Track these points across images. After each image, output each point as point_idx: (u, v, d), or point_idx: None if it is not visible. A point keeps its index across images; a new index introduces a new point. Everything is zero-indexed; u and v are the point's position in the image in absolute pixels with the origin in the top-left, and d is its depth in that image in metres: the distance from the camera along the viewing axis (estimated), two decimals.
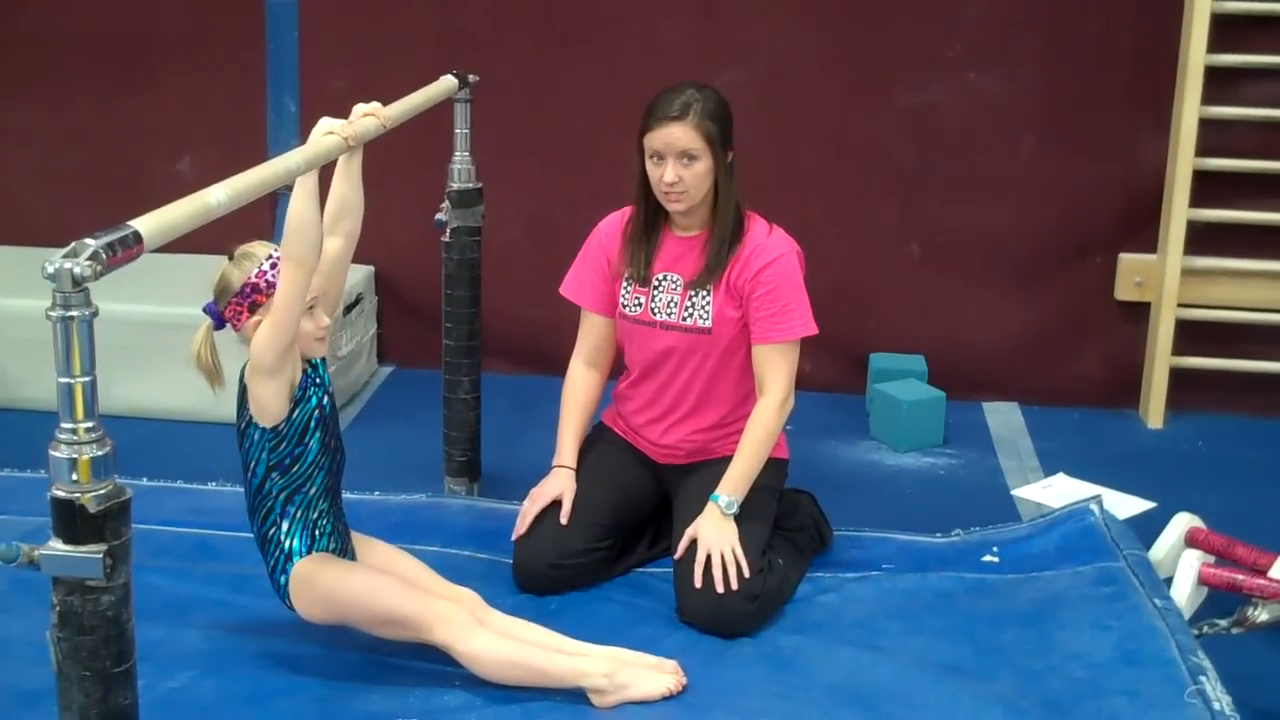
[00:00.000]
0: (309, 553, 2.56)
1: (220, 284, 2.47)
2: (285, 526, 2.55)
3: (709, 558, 2.84)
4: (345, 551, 2.64)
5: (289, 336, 2.39)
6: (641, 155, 2.97)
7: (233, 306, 2.46)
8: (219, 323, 2.50)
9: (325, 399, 2.57)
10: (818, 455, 3.93)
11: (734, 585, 2.79)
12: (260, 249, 2.47)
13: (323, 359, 2.59)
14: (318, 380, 2.55)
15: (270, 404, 2.46)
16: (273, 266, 2.44)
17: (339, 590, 2.55)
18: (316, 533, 2.58)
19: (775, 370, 2.98)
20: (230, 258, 2.47)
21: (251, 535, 2.61)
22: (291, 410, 2.49)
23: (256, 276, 2.43)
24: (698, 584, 2.82)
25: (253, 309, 2.44)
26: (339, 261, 2.61)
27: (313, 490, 2.56)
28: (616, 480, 3.12)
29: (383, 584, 2.57)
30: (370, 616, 2.57)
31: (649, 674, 2.59)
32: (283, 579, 2.56)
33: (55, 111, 4.65)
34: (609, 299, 3.14)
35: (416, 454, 3.73)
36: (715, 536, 2.86)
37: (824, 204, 4.42)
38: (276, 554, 2.56)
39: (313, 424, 2.53)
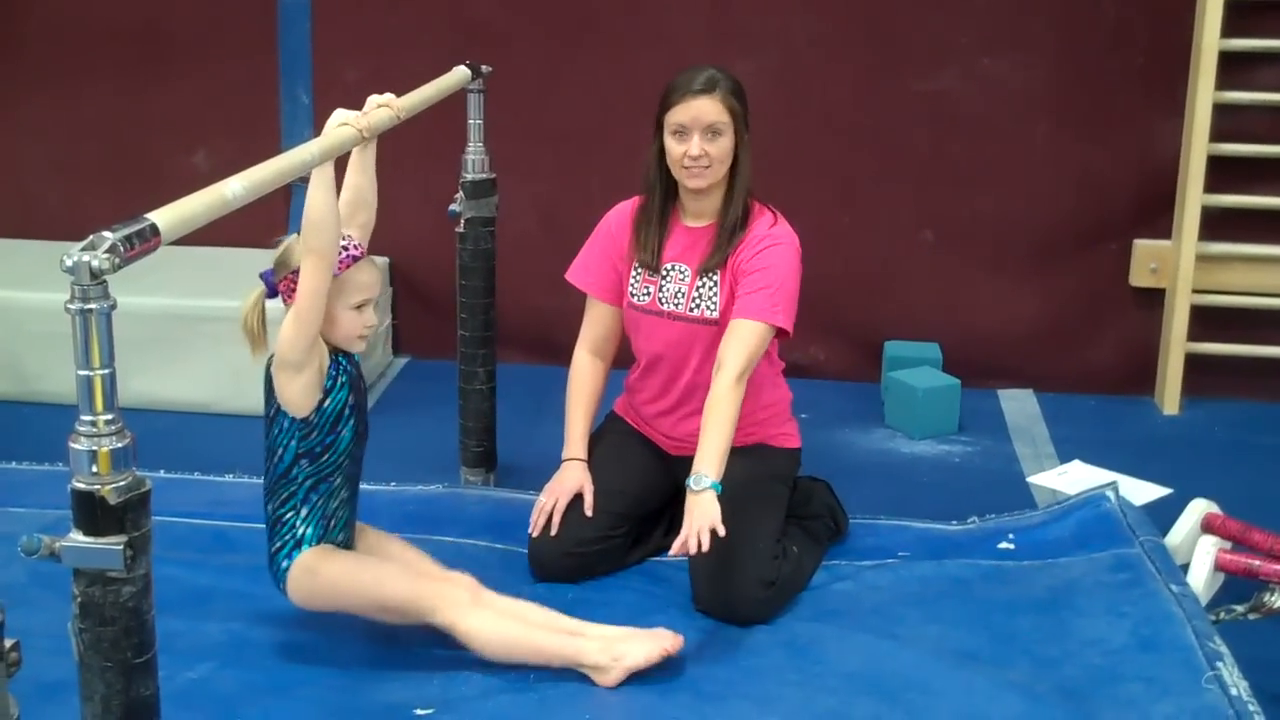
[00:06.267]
0: (319, 542, 2.57)
1: (282, 256, 2.47)
2: (304, 513, 2.55)
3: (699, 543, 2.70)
4: (349, 543, 2.65)
5: (314, 331, 2.39)
6: (659, 135, 2.96)
7: (288, 282, 2.44)
8: (272, 292, 2.49)
9: (356, 387, 2.56)
10: (833, 443, 3.94)
11: (705, 548, 2.66)
12: None
13: None
14: (348, 368, 2.55)
15: (297, 398, 2.45)
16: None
17: (342, 581, 2.56)
18: (331, 523, 2.58)
19: (740, 345, 2.86)
20: (303, 257, 2.41)
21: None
22: (322, 400, 2.48)
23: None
24: (680, 552, 2.71)
25: None
26: None
27: (338, 480, 2.57)
28: (629, 469, 3.12)
29: (383, 573, 2.58)
30: (370, 604, 2.59)
31: (643, 640, 2.61)
32: (285, 563, 2.56)
33: (70, 105, 4.66)
34: (616, 287, 3.14)
35: (432, 444, 3.73)
36: (698, 518, 2.70)
37: (838, 192, 4.42)
38: (286, 537, 2.56)
39: (346, 413, 2.53)
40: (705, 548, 2.67)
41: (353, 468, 2.61)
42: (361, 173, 2.61)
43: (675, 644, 2.62)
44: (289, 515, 2.56)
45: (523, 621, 2.62)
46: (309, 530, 2.56)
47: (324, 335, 2.48)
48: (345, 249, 2.46)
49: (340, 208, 2.47)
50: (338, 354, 2.53)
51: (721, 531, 2.68)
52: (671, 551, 2.74)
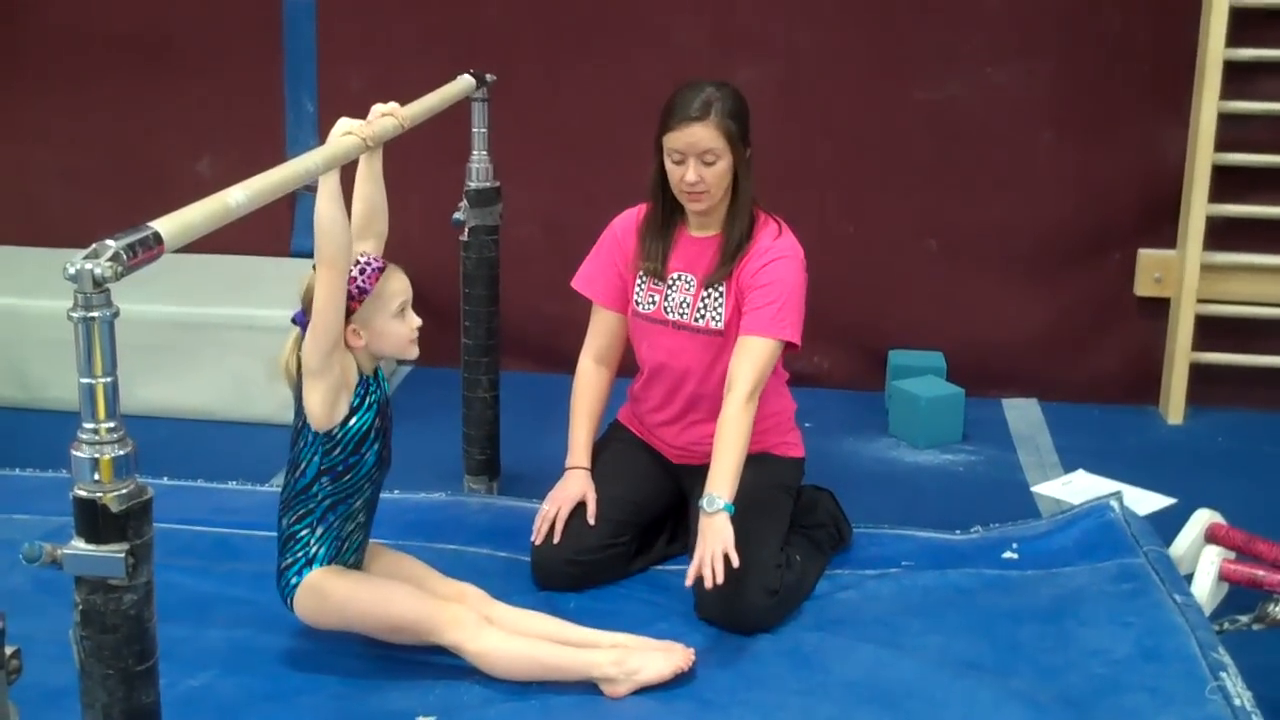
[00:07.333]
0: (330, 563, 2.57)
1: (307, 295, 2.45)
2: (319, 532, 2.55)
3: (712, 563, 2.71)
4: (360, 565, 2.65)
5: (332, 338, 2.39)
6: (659, 153, 2.96)
7: None
8: (305, 333, 2.47)
9: (383, 413, 2.57)
10: (837, 452, 3.93)
11: (720, 579, 2.68)
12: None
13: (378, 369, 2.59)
14: (377, 392, 2.55)
15: (318, 407, 2.45)
16: (361, 272, 2.45)
17: (350, 602, 2.55)
18: (344, 545, 2.58)
19: (750, 363, 2.86)
20: (315, 267, 2.42)
21: (271, 534, 2.61)
22: (349, 418, 2.49)
23: (347, 283, 2.42)
24: (692, 583, 2.74)
25: (346, 317, 2.43)
26: None
27: (358, 503, 2.57)
28: (633, 477, 3.12)
29: (392, 594, 2.58)
30: (378, 626, 2.59)
31: (657, 656, 2.60)
32: (295, 580, 2.56)
33: (75, 112, 4.67)
34: (621, 295, 3.14)
35: (436, 452, 3.73)
36: (711, 541, 2.73)
37: (842, 200, 4.42)
38: (298, 554, 2.56)
39: (371, 436, 2.53)
40: (720, 579, 2.66)
41: (373, 493, 2.61)
42: (370, 182, 2.62)
43: (688, 660, 2.62)
44: (303, 532, 2.56)
45: (532, 638, 2.61)
46: (321, 550, 2.56)
47: (378, 350, 2.51)
48: (369, 264, 2.47)
49: (354, 219, 2.47)
50: (370, 377, 2.53)
51: (735, 560, 2.67)
52: (688, 582, 2.72)
